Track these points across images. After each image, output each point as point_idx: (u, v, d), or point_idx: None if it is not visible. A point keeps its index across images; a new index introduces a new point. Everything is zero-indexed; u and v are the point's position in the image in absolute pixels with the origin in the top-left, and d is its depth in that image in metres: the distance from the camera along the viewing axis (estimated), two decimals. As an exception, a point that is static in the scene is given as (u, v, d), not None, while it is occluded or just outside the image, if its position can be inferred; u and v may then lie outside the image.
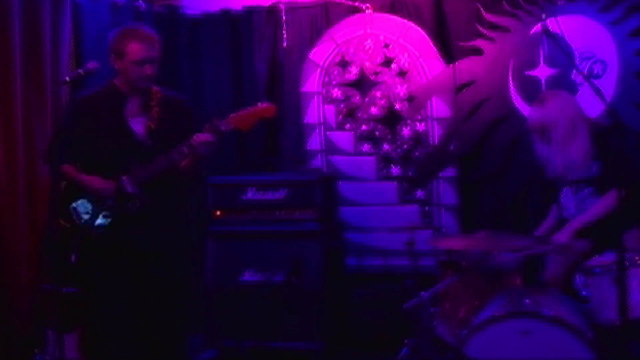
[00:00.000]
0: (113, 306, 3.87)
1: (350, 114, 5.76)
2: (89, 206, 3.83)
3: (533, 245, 3.99)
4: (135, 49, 3.75)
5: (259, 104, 3.92)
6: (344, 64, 5.75)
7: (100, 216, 3.80)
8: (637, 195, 3.98)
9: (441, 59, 5.54)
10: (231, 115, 3.85)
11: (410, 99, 5.61)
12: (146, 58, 3.77)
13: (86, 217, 3.80)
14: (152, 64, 3.80)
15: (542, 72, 5.25)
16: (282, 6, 5.84)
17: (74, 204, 3.84)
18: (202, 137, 3.76)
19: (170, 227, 3.97)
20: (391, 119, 5.67)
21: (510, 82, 5.35)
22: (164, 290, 3.95)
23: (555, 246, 4.07)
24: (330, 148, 5.81)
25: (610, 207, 4.03)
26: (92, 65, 3.62)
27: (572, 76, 5.16)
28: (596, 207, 4.11)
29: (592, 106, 4.76)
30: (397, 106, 5.65)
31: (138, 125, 3.87)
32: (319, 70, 5.79)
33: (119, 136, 3.82)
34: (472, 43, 5.43)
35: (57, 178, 3.78)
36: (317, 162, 5.83)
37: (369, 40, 5.69)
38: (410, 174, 5.65)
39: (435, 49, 5.54)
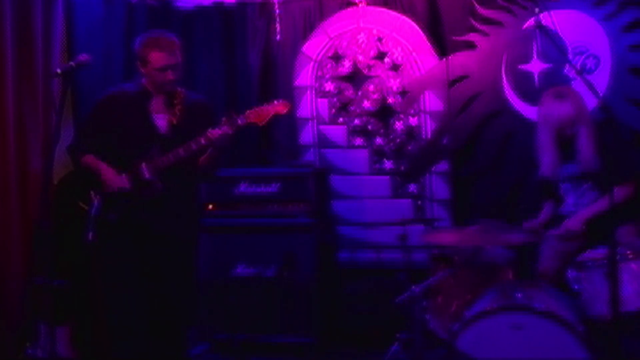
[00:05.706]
0: (124, 287, 3.99)
1: (343, 108, 5.75)
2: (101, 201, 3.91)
3: (534, 234, 4.00)
4: (156, 57, 3.95)
5: (275, 101, 4.10)
6: (337, 58, 5.74)
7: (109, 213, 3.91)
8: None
9: (434, 53, 5.54)
10: (248, 110, 4.01)
11: (404, 93, 5.61)
12: (167, 65, 3.98)
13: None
14: (173, 70, 4.00)
15: (535, 66, 5.25)
16: (275, -1, 5.84)
17: (92, 192, 3.95)
18: (218, 129, 3.93)
19: (183, 214, 4.12)
20: (384, 112, 5.66)
21: (504, 76, 5.35)
22: (173, 273, 4.09)
23: (567, 232, 4.07)
24: (323, 142, 5.80)
25: (622, 200, 4.01)
26: (83, 57, 3.68)
27: (565, 71, 5.16)
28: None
29: (585, 101, 4.76)
30: (390, 100, 5.64)
31: (161, 121, 4.07)
32: (312, 63, 5.78)
33: (142, 129, 4.04)
34: (465, 37, 5.43)
35: (77, 167, 4.08)
36: (310, 155, 5.82)
37: (362, 34, 5.69)
38: (403, 168, 5.65)
39: (429, 43, 5.54)
